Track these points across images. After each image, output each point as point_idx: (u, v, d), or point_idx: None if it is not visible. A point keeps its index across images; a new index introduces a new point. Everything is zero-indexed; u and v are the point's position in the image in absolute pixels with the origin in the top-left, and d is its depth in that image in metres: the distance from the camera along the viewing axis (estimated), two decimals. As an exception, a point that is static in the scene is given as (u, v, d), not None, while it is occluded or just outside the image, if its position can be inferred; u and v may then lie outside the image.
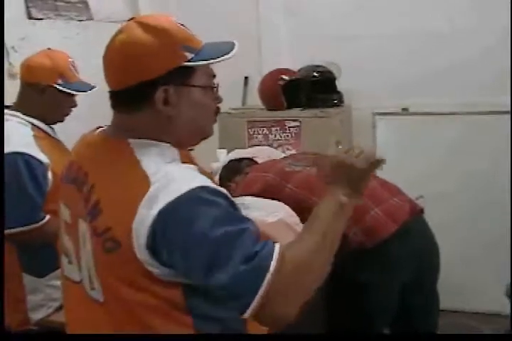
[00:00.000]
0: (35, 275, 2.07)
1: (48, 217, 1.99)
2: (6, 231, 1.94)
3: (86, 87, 2.14)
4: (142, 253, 1.09)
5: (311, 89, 3.19)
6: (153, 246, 1.09)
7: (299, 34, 3.49)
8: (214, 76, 1.25)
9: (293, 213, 1.83)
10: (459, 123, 3.19)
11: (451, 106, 3.16)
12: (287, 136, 3.13)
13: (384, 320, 2.07)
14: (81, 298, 1.22)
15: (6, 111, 2.10)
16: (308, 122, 3.08)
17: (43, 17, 2.89)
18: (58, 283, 1.64)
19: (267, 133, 3.16)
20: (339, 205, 1.22)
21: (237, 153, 2.58)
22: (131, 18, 1.21)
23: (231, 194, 2.37)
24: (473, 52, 3.13)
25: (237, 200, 1.86)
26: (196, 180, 1.12)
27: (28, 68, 2.11)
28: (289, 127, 3.12)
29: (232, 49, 1.21)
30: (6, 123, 2.04)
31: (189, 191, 1.08)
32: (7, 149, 1.95)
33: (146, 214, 1.08)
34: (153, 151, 1.16)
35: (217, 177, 2.47)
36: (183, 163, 1.18)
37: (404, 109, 3.29)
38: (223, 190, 1.16)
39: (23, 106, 2.12)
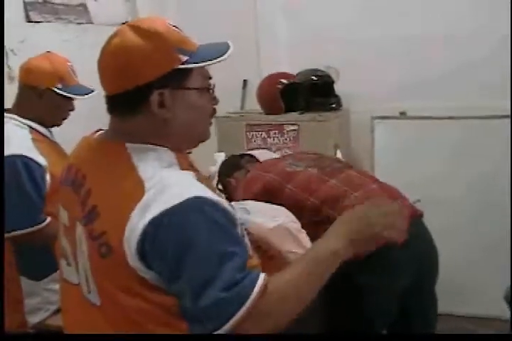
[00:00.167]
0: (32, 278, 2.07)
1: (48, 218, 1.99)
2: (8, 234, 1.94)
3: (85, 91, 2.14)
4: (133, 260, 1.09)
5: (309, 93, 3.20)
6: (144, 253, 1.08)
7: (297, 38, 3.49)
8: (210, 77, 1.25)
9: (294, 218, 1.83)
10: (458, 127, 3.19)
11: (449, 110, 3.15)
12: (285, 139, 3.14)
13: (383, 322, 2.07)
14: (79, 300, 1.22)
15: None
16: (306, 126, 3.09)
17: (42, 20, 2.89)
18: (56, 286, 1.64)
19: (266, 136, 3.16)
20: (336, 253, 1.22)
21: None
22: (125, 22, 1.21)
23: (231, 190, 2.38)
24: (472, 56, 3.13)
25: (238, 205, 1.87)
26: (192, 188, 1.11)
27: (27, 71, 2.11)
28: (287, 131, 3.12)
29: (227, 50, 1.20)
30: (4, 126, 2.04)
31: (184, 201, 1.07)
32: (6, 152, 1.95)
33: (138, 221, 1.07)
34: (150, 156, 1.16)
35: (215, 181, 2.46)
36: (182, 168, 1.17)
37: (402, 113, 3.29)
38: (221, 200, 1.14)
39: (21, 109, 2.12)
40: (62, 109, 2.15)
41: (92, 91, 2.12)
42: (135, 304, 1.12)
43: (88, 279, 1.19)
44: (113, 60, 1.17)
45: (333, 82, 3.26)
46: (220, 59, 1.19)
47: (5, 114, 2.11)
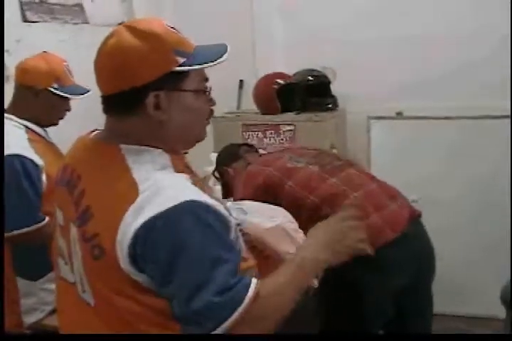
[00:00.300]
0: (28, 278, 2.07)
1: (47, 218, 1.99)
2: (8, 234, 1.94)
3: (81, 91, 2.14)
4: (125, 263, 1.09)
5: (305, 93, 3.20)
6: (135, 256, 1.08)
7: (293, 39, 3.50)
8: (207, 79, 1.24)
9: (292, 219, 1.82)
10: (454, 128, 3.19)
11: (446, 110, 3.16)
12: (282, 139, 3.14)
13: (379, 322, 2.08)
14: (75, 299, 1.22)
15: (0, 113, 2.10)
16: (302, 126, 3.09)
17: (38, 20, 2.89)
18: (52, 286, 1.64)
19: (262, 136, 3.17)
20: (320, 262, 1.26)
21: None
22: (121, 23, 1.20)
23: (229, 179, 2.37)
24: (472, 56, 3.14)
25: (235, 205, 1.87)
26: (187, 191, 1.11)
27: (23, 71, 2.11)
28: (283, 131, 3.13)
29: (224, 52, 1.20)
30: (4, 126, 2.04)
31: (179, 204, 1.07)
32: (4, 151, 1.95)
33: (131, 224, 1.07)
34: (145, 158, 1.15)
35: (211, 182, 2.46)
36: (176, 170, 1.17)
37: (398, 113, 3.29)
38: (215, 204, 1.13)
39: (17, 109, 2.12)
40: (58, 108, 2.15)
41: (88, 91, 2.12)
42: (128, 305, 1.12)
43: (82, 279, 1.19)
44: (109, 61, 1.16)
45: (329, 83, 3.27)
46: (217, 61, 1.18)
47: (2, 113, 2.11)
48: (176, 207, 1.06)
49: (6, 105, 2.15)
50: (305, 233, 1.77)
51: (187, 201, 1.07)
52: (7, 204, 1.90)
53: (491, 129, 3.13)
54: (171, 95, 1.17)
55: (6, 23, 2.59)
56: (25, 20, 2.82)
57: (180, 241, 1.06)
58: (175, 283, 1.07)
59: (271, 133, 3.14)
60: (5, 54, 2.64)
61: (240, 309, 1.06)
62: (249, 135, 3.18)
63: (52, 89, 2.08)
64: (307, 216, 1.89)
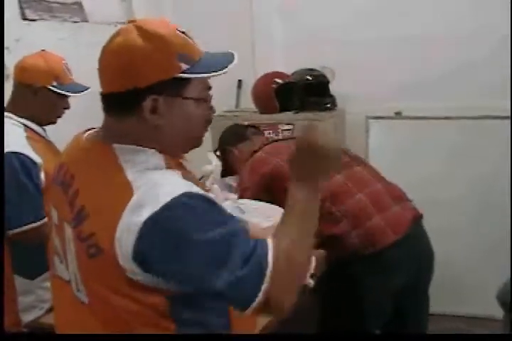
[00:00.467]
0: (26, 277, 2.07)
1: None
2: (14, 231, 1.94)
3: (80, 89, 2.14)
4: (126, 262, 1.08)
5: (304, 93, 3.20)
6: (141, 254, 1.08)
7: (293, 39, 3.50)
8: (209, 88, 1.22)
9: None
10: (454, 128, 3.20)
11: (445, 111, 3.16)
12: (280, 139, 3.14)
13: (378, 322, 2.08)
14: (70, 297, 1.22)
15: (-1, 112, 2.10)
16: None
17: (37, 18, 2.89)
18: (50, 284, 1.64)
19: (260, 136, 3.16)
20: (312, 189, 1.21)
21: None
22: (132, 21, 1.18)
23: (232, 159, 2.36)
24: (472, 56, 3.15)
25: (233, 203, 1.87)
26: (180, 186, 1.11)
27: (22, 69, 2.11)
28: (282, 130, 3.13)
29: (231, 61, 1.18)
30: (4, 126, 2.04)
31: (174, 198, 1.07)
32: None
33: (131, 222, 1.07)
34: (138, 158, 1.15)
35: (208, 182, 2.45)
36: (168, 168, 1.17)
37: (397, 113, 3.29)
38: (207, 194, 1.15)
39: (16, 107, 2.12)
40: (57, 107, 2.15)
41: (87, 88, 2.12)
42: (123, 304, 1.12)
43: (77, 278, 1.19)
44: (113, 59, 1.15)
45: (328, 82, 3.27)
46: (220, 72, 1.16)
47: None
48: (173, 200, 1.07)
49: (5, 104, 2.15)
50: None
51: (183, 193, 1.08)
52: (10, 202, 1.90)
53: (490, 130, 3.13)
54: (171, 101, 1.15)
55: (6, 22, 2.59)
56: (24, 18, 2.82)
57: (185, 231, 1.07)
58: (196, 266, 1.08)
59: (269, 133, 3.14)
60: (4, 52, 2.64)
61: (268, 271, 1.09)
62: (247, 134, 3.17)
63: (51, 87, 2.08)
64: None
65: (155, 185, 1.09)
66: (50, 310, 1.96)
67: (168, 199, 1.07)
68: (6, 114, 2.10)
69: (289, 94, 3.19)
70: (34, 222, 1.97)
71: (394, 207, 2.05)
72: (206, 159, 2.67)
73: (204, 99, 1.21)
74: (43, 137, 2.18)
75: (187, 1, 3.66)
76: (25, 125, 2.10)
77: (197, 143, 1.26)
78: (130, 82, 1.13)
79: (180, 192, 1.08)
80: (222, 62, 1.18)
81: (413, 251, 2.03)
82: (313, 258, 1.61)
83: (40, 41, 2.61)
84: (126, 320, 1.13)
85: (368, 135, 3.30)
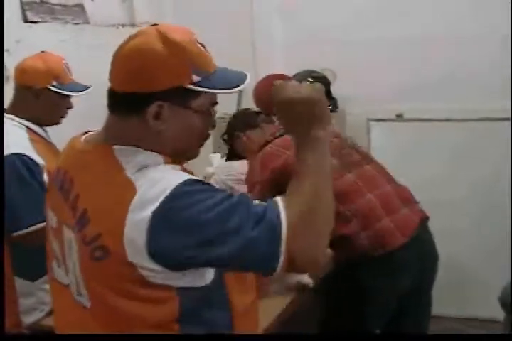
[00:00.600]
0: (27, 278, 2.06)
1: None
2: (24, 231, 1.93)
3: (81, 88, 2.15)
4: (139, 258, 1.08)
5: (305, 95, 3.19)
6: (156, 249, 1.07)
7: (293, 39, 3.50)
8: (216, 103, 1.22)
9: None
10: (455, 130, 3.20)
11: (449, 112, 3.16)
12: (281, 140, 3.13)
13: (381, 322, 2.09)
14: (70, 301, 1.22)
15: (0, 114, 2.10)
16: (302, 127, 3.08)
17: (39, 20, 2.89)
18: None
19: (261, 137, 3.15)
20: (315, 140, 1.18)
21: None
22: (155, 24, 1.18)
23: (240, 145, 2.34)
24: (472, 57, 3.14)
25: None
26: (178, 176, 1.13)
27: (22, 71, 2.11)
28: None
29: (242, 82, 1.19)
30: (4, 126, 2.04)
31: (177, 186, 1.08)
32: (5, 152, 1.95)
33: (138, 219, 1.07)
34: (137, 158, 1.15)
35: (211, 181, 2.45)
36: (168, 163, 1.18)
37: (398, 115, 3.29)
38: (205, 181, 1.18)
39: (17, 109, 2.12)
40: (59, 107, 2.15)
41: (88, 87, 2.13)
42: (127, 305, 1.12)
43: (78, 283, 1.19)
44: (127, 59, 1.15)
45: (329, 84, 3.26)
46: (230, 91, 1.17)
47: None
48: (175, 189, 1.08)
49: (6, 105, 2.15)
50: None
51: (183, 181, 1.10)
52: (15, 203, 1.90)
53: (491, 131, 3.13)
54: (176, 109, 1.16)
55: (7, 24, 2.59)
56: (25, 20, 2.82)
57: (194, 216, 1.07)
58: (218, 249, 1.08)
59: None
60: (5, 54, 2.64)
61: (283, 226, 1.08)
62: (248, 135, 3.17)
63: (51, 88, 2.08)
64: None
65: (156, 180, 1.10)
66: (50, 312, 1.95)
67: (171, 189, 1.08)
68: (7, 115, 2.10)
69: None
70: (42, 222, 1.97)
71: (403, 210, 2.05)
72: (207, 161, 2.67)
73: (208, 113, 1.21)
74: (45, 139, 2.18)
75: (187, 1, 3.66)
76: (27, 127, 2.10)
77: (191, 155, 1.27)
78: (140, 85, 1.13)
79: (182, 180, 1.10)
80: (234, 80, 1.19)
81: (419, 252, 2.03)
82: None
83: (42, 43, 2.61)
84: (129, 322, 1.13)
85: (369, 137, 3.31)
